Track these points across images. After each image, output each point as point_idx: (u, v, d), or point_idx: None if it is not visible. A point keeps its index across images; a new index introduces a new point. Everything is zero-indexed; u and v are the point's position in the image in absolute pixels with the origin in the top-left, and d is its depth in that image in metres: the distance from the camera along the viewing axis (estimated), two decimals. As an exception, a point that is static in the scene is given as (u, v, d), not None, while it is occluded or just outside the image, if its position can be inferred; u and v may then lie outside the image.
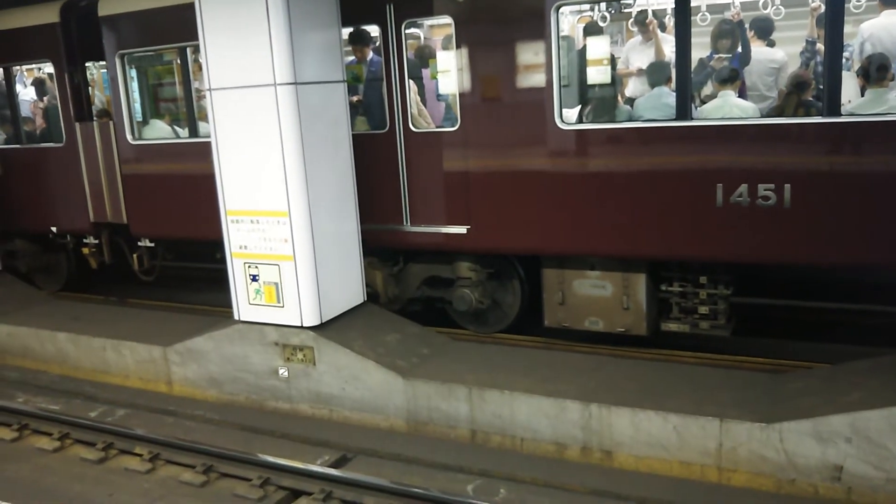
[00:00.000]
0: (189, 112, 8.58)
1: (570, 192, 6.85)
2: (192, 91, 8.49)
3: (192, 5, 6.73)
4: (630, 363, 6.69)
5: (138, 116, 9.08)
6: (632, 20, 7.97)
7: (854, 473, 5.12)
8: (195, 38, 6.83)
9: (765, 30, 7.54)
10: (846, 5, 6.07)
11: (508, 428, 6.17)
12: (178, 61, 8.62)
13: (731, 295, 6.88)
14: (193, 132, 8.57)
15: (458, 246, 7.50)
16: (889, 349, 6.16)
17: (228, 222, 7.03)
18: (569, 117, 6.95)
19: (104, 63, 9.12)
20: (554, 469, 5.85)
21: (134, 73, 9.02)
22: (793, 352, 7.13)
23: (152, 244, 9.50)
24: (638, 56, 7.71)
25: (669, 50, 7.66)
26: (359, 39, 7.84)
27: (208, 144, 7.06)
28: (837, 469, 5.17)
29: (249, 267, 7.00)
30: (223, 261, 7.28)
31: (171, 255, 9.85)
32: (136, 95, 9.05)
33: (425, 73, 8.07)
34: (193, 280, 10.91)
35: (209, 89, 6.80)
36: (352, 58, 8.00)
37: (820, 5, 7.16)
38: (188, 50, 8.28)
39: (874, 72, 6.15)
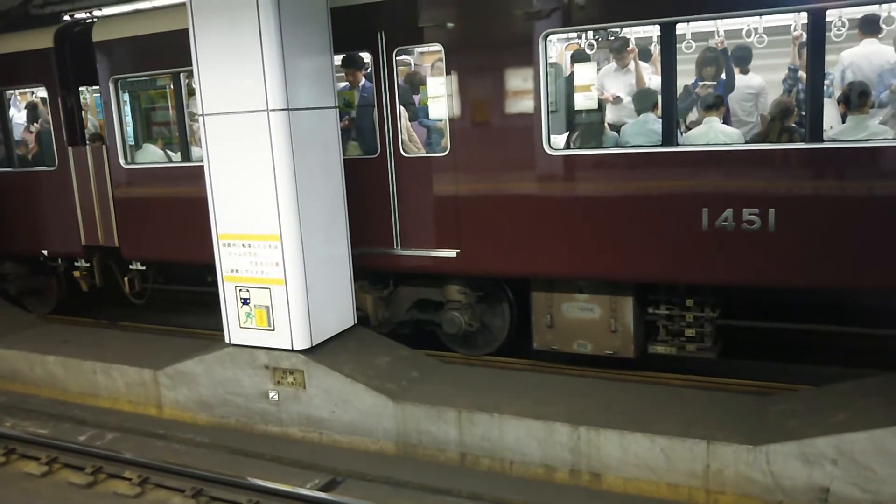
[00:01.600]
0: (182, 136, 8.65)
1: (558, 217, 6.93)
2: (185, 116, 8.57)
3: (186, 31, 6.82)
4: (618, 386, 6.74)
5: (131, 140, 9.15)
6: (609, 48, 8.12)
7: (840, 495, 5.17)
8: (189, 63, 6.91)
9: (742, 58, 7.71)
10: (827, 34, 6.22)
11: (497, 451, 6.19)
12: (172, 86, 8.70)
13: (717, 318, 6.96)
14: (186, 156, 8.63)
15: (447, 269, 7.56)
16: (873, 371, 6.24)
17: (220, 246, 7.08)
18: (557, 143, 7.05)
19: (97, 87, 9.21)
20: (543, 492, 5.87)
21: (127, 97, 9.09)
22: (779, 374, 7.20)
23: (143, 267, 9.52)
24: (612, 83, 7.85)
25: (647, 77, 7.82)
26: (351, 63, 7.95)
27: (201, 168, 7.12)
28: (824, 491, 5.22)
29: (241, 290, 7.04)
30: (214, 284, 7.31)
31: (162, 279, 9.87)
32: (128, 120, 9.12)
33: (416, 99, 8.18)
34: (184, 303, 10.92)
35: (202, 114, 6.88)
36: (344, 83, 8.10)
37: (802, 34, 7.32)
38: (181, 75, 8.36)
39: (855, 99, 6.29)
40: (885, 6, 6.99)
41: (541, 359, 7.83)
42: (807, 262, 6.14)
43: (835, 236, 6.03)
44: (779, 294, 7.43)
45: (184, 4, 6.74)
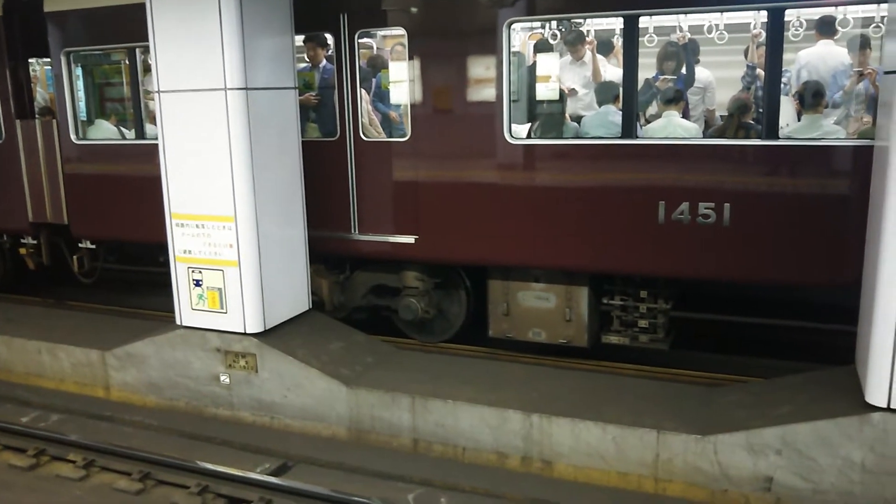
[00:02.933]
0: (136, 113, 8.45)
1: (517, 206, 6.94)
2: (141, 92, 8.37)
3: (143, 5, 6.65)
4: (571, 374, 6.80)
5: (83, 116, 8.91)
6: (564, 40, 8.15)
7: (783, 484, 5.29)
8: (145, 38, 6.75)
9: (692, 51, 7.82)
10: (786, 33, 6.31)
11: (451, 437, 6.20)
12: (127, 61, 8.49)
13: (670, 309, 7.05)
14: (140, 134, 8.44)
15: (405, 255, 7.53)
16: (818, 365, 6.39)
17: (173, 226, 6.95)
18: (518, 132, 7.05)
19: (48, 60, 8.94)
20: (495, 478, 5.90)
21: (80, 71, 8.85)
22: (728, 366, 7.33)
23: (93, 246, 9.31)
24: (568, 75, 7.89)
25: (604, 69, 7.88)
26: (314, 37, 7.82)
27: (155, 146, 6.97)
28: (768, 480, 5.33)
29: (193, 272, 6.92)
30: (166, 264, 7.18)
31: (112, 258, 9.66)
32: (80, 94, 8.88)
33: (377, 82, 8.11)
34: (135, 283, 10.71)
35: (158, 91, 6.73)
36: (304, 65, 7.99)
37: (761, 32, 7.42)
38: (137, 50, 8.16)
39: (810, 98, 6.40)
40: (840, 9, 7.16)
41: (496, 346, 7.85)
42: (760, 257, 6.25)
43: (787, 233, 6.14)
44: (732, 288, 7.55)
45: (141, -23, 6.58)
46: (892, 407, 4.91)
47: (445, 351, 7.89)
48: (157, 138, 6.91)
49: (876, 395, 4.96)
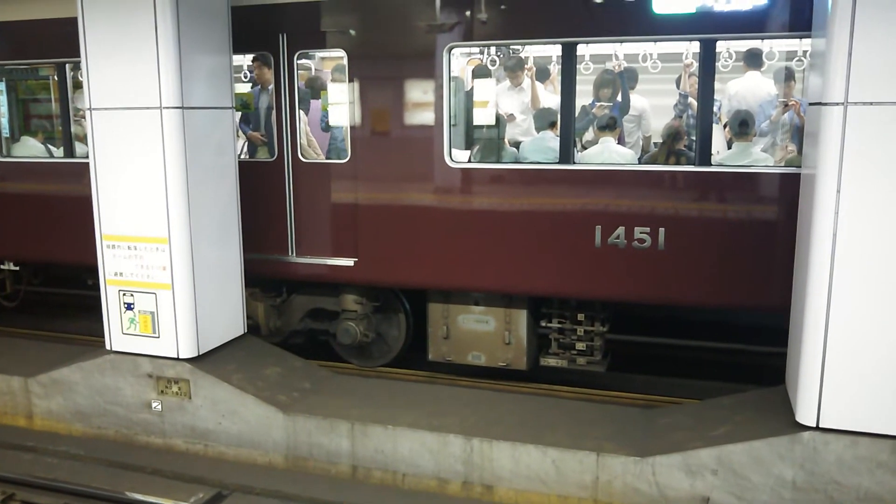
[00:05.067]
0: (65, 131, 8.19)
1: (457, 229, 6.96)
2: (70, 109, 8.13)
3: (74, 19, 6.46)
4: (511, 397, 6.80)
5: (6, 132, 8.60)
6: (503, 66, 8.28)
7: (719, 504, 5.39)
8: (76, 54, 6.56)
9: (629, 79, 8.03)
10: (716, 63, 6.52)
11: (391, 463, 6.13)
12: (56, 77, 8.24)
13: (606, 332, 7.14)
14: (69, 152, 8.18)
15: (344, 278, 7.46)
16: (752, 385, 6.55)
17: (104, 247, 6.72)
18: (458, 156, 7.09)
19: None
20: (434, 504, 5.85)
21: (3, 86, 8.56)
22: (664, 387, 7.46)
23: (17, 268, 8.95)
24: (506, 100, 8.01)
25: (542, 96, 8.02)
26: (262, 56, 7.72)
27: (85, 165, 6.76)
28: (704, 500, 5.41)
29: (124, 295, 6.70)
30: (96, 287, 6.94)
31: (37, 280, 9.30)
32: (4, 110, 8.58)
33: (315, 104, 8.06)
34: (62, 307, 10.34)
35: (89, 109, 6.53)
36: (249, 88, 7.90)
37: (693, 62, 7.66)
38: (67, 66, 7.93)
39: (739, 127, 6.62)
40: (767, 42, 7.45)
41: (436, 370, 7.82)
42: (693, 281, 6.40)
43: (719, 257, 6.31)
44: (667, 311, 7.71)
45: (72, -9, 6.41)
46: (820, 426, 5.06)
47: (384, 375, 7.82)
48: (87, 157, 6.70)
49: (805, 414, 5.10)
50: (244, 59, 8.57)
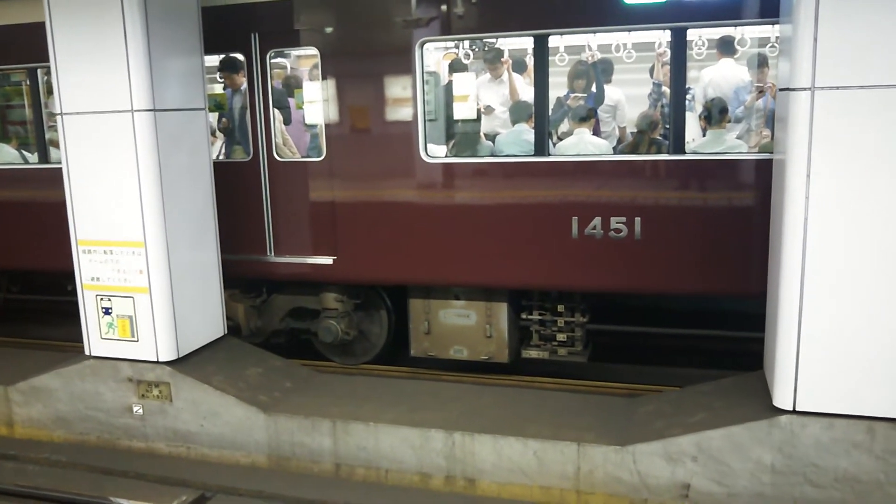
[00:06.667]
0: (39, 136, 8.13)
1: (435, 224, 6.96)
2: (43, 115, 8.07)
3: (43, 24, 6.40)
4: (493, 391, 6.82)
5: (-20, 140, 8.55)
6: (483, 58, 8.27)
7: (700, 490, 5.41)
8: (47, 58, 6.51)
9: (604, 71, 8.03)
10: (689, 52, 6.54)
11: (373, 460, 6.13)
12: (28, 82, 8.17)
13: (587, 322, 7.16)
14: (44, 158, 8.12)
15: (323, 276, 7.44)
16: (732, 371, 6.59)
17: (80, 252, 6.68)
18: (434, 151, 7.08)
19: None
20: (419, 499, 5.85)
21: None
22: (645, 376, 7.49)
23: (-6, 276, 8.91)
24: (487, 93, 8.00)
25: (521, 88, 8.01)
26: (228, 65, 7.69)
27: (60, 170, 6.71)
28: (685, 487, 5.44)
29: (102, 299, 6.67)
30: (74, 293, 6.90)
31: (16, 287, 9.23)
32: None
33: (291, 102, 8.03)
34: (41, 313, 10.26)
35: (60, 113, 6.48)
36: (222, 90, 7.86)
37: (666, 51, 7.67)
38: (39, 71, 7.87)
39: (714, 114, 6.64)
40: (739, 29, 7.47)
41: (418, 366, 7.82)
42: (670, 269, 6.42)
43: (695, 244, 6.33)
44: (646, 299, 7.74)
45: (40, -5, 6.35)
46: (797, 409, 5.10)
47: (367, 372, 7.83)
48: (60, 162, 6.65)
49: (782, 398, 5.14)
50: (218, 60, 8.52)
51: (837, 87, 4.64)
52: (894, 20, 4.50)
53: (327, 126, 7.14)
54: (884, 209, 4.69)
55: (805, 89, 4.71)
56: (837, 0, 4.56)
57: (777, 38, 7.41)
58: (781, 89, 5.25)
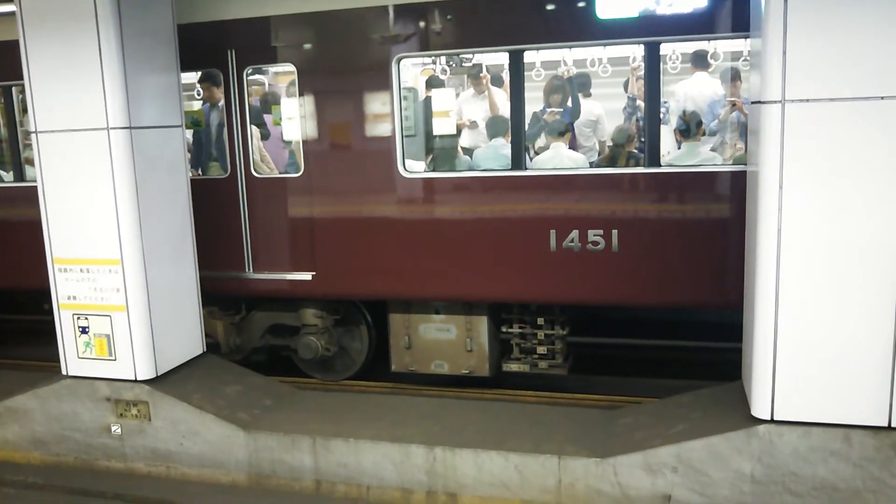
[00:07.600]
0: (14, 155, 8.07)
1: (413, 238, 6.97)
2: (19, 133, 8.01)
3: (17, 41, 6.37)
4: (474, 405, 6.81)
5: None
6: (467, 73, 8.34)
7: (681, 501, 5.42)
8: (21, 76, 6.47)
9: (582, 85, 8.11)
10: (663, 66, 6.62)
11: (354, 476, 6.10)
12: (2, 101, 8.12)
13: (566, 335, 7.19)
14: (19, 176, 8.06)
15: (303, 292, 7.42)
16: (710, 382, 6.62)
17: (56, 271, 6.63)
18: (412, 166, 7.10)
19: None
20: (400, 515, 5.84)
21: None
22: (626, 388, 7.51)
23: (-31, 296, 8.80)
24: (470, 108, 8.05)
25: (500, 103, 8.07)
26: (208, 77, 7.68)
27: (35, 189, 6.65)
28: (666, 498, 5.46)
29: (79, 318, 6.61)
30: (51, 312, 6.83)
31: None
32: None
33: (268, 118, 8.03)
34: (16, 333, 10.14)
35: (35, 132, 6.44)
36: (200, 105, 7.84)
37: (640, 65, 7.76)
38: (13, 89, 7.82)
39: (689, 127, 6.72)
40: (712, 43, 7.58)
41: (399, 381, 7.81)
42: (648, 281, 6.47)
43: (672, 256, 6.39)
44: (625, 311, 7.78)
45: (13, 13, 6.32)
46: (775, 419, 5.14)
47: (347, 388, 7.79)
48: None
49: (760, 408, 5.18)
50: (196, 77, 8.51)
51: (808, 100, 4.72)
52: (862, 34, 4.59)
53: (305, 142, 7.15)
54: (855, 219, 4.76)
55: (776, 102, 4.78)
56: (806, 14, 4.64)
57: (749, 52, 7.52)
58: (753, 102, 5.33)
